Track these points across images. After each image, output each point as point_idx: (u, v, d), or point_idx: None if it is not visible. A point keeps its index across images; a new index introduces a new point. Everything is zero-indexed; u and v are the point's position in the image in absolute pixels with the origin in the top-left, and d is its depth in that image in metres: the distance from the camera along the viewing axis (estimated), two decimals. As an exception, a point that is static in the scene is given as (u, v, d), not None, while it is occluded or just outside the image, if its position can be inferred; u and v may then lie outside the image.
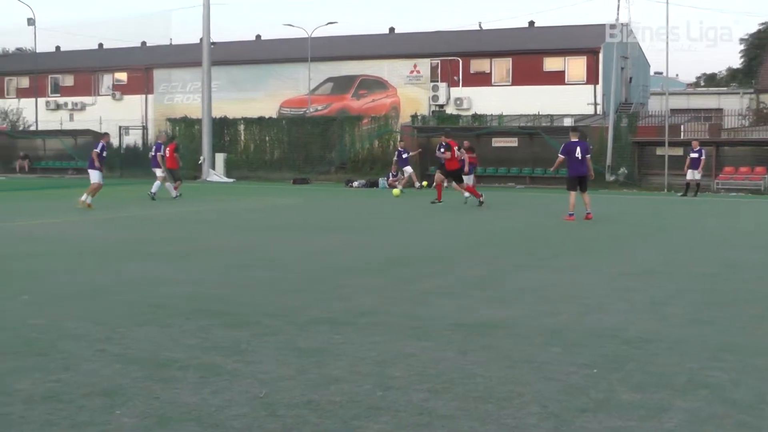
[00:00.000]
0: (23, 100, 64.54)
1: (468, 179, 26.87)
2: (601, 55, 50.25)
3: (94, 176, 24.17)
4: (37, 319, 8.62)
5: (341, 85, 58.33)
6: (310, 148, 47.08)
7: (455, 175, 25.22)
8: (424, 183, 36.25)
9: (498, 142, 41.70)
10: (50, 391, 6.11)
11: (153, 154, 29.74)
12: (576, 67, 52.20)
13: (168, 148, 29.45)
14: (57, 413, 5.64)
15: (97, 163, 24.47)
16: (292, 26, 59.18)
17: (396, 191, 30.13)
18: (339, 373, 6.66)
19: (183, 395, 6.04)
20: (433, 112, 52.73)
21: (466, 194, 26.35)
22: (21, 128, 60.88)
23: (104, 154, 24.80)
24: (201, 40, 46.12)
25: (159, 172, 29.17)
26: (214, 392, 6.11)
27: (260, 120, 49.82)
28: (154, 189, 28.43)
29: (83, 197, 23.37)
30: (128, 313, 9.00)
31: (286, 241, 16.69)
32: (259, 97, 58.16)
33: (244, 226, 19.64)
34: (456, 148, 25.35)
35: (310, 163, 46.17)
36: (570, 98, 50.15)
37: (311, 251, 14.96)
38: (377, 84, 57.40)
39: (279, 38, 63.44)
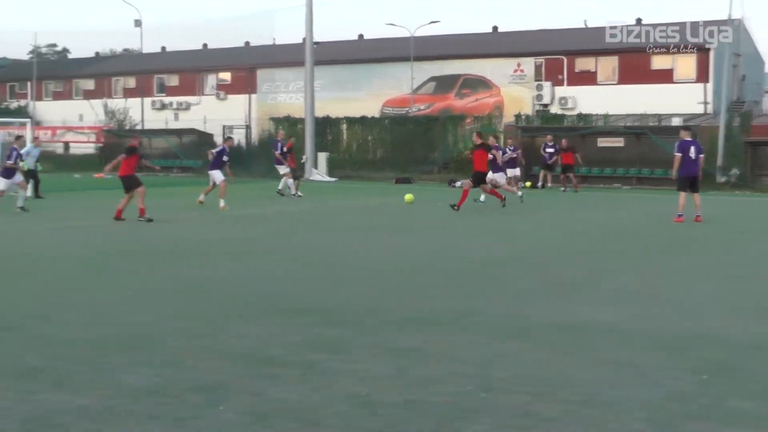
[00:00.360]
0: (130, 100, 65.87)
1: (500, 177, 26.17)
2: (711, 53, 49.01)
3: (217, 176, 24.39)
4: (143, 315, 8.77)
5: (444, 84, 58.14)
6: (412, 148, 46.99)
7: (480, 178, 24.06)
8: (528, 183, 35.95)
9: (603, 142, 40.96)
10: (155, 386, 6.20)
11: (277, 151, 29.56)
12: (685, 65, 51.06)
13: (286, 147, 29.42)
14: (161, 407, 5.72)
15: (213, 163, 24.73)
16: (395, 25, 59.35)
17: (408, 196, 27.98)
18: (439, 373, 6.60)
19: (284, 392, 6.06)
20: (537, 111, 52.21)
21: (521, 192, 26.03)
22: (127, 127, 62.18)
23: (224, 158, 24.83)
24: (304, 39, 46.45)
25: (282, 169, 29.31)
26: (314, 389, 6.12)
27: (363, 119, 49.96)
28: (292, 190, 28.62)
29: (222, 204, 23.48)
30: (231, 310, 9.10)
31: (384, 240, 16.68)
32: (361, 97, 58.34)
33: (344, 224, 19.72)
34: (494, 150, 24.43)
35: (413, 162, 46.07)
36: (678, 97, 49.03)
37: (409, 250, 14.92)
38: (480, 83, 57.04)
39: (381, 37, 63.56)
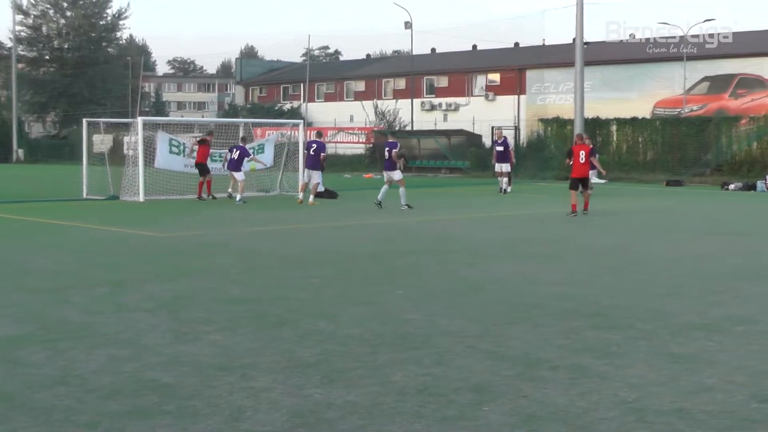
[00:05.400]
0: (400, 101, 67.31)
1: None
2: None
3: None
4: (413, 314, 8.99)
5: (718, 84, 55.93)
6: (684, 150, 45.55)
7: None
8: None
9: None
10: (422, 385, 6.37)
11: None
12: None
13: None
14: (427, 406, 5.86)
15: None
16: (667, 24, 57.41)
17: None
18: (712, 381, 6.44)
19: (551, 395, 6.08)
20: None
21: None
22: (397, 128, 63.60)
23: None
24: (574, 40, 45.93)
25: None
26: (582, 394, 6.11)
27: (633, 120, 48.82)
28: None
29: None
30: (501, 311, 9.18)
31: (658, 243, 16.25)
32: (632, 98, 57.14)
33: (614, 227, 19.39)
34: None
35: (684, 164, 44.69)
36: None
37: (684, 255, 14.50)
38: (757, 83, 54.44)
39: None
